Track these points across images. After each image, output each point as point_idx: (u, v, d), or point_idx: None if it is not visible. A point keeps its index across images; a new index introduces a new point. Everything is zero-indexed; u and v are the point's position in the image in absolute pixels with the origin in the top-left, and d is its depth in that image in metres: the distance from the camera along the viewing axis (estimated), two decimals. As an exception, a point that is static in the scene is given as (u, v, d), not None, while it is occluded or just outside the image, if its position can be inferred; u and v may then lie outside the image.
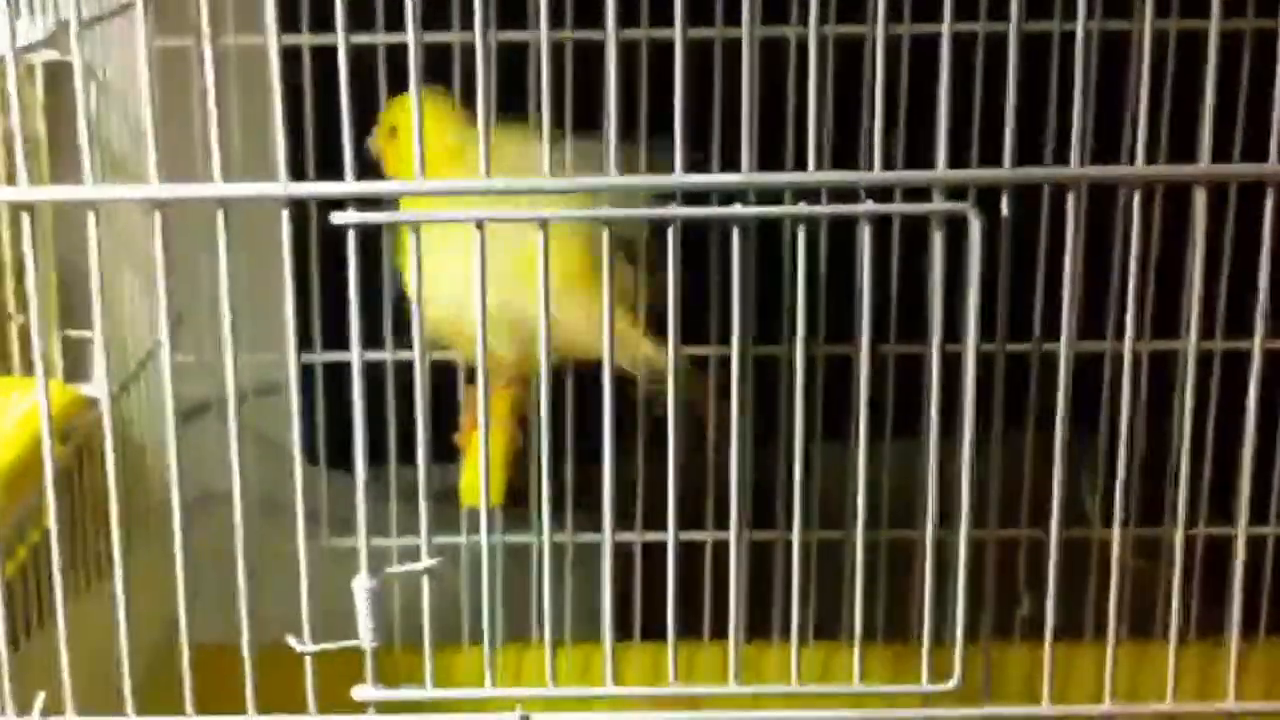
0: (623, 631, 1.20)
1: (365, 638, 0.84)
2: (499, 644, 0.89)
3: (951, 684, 0.86)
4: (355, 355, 0.84)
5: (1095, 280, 1.13)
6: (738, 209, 0.83)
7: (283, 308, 0.83)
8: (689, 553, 1.11)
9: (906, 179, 0.84)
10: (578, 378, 1.17)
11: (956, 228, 0.83)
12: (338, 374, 1.15)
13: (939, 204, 0.83)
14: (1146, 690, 0.92)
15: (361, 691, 0.86)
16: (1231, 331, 1.20)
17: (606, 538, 0.86)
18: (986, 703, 0.88)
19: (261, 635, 0.86)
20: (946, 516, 0.87)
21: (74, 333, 1.02)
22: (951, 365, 0.85)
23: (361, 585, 0.84)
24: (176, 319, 1.13)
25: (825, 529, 1.20)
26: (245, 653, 0.85)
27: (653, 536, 1.22)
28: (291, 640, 0.85)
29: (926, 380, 0.86)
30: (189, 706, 0.86)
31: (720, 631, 0.90)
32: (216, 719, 0.87)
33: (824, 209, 0.84)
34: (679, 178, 0.82)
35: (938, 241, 0.83)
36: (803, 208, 0.83)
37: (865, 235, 0.84)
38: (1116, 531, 0.89)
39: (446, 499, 1.02)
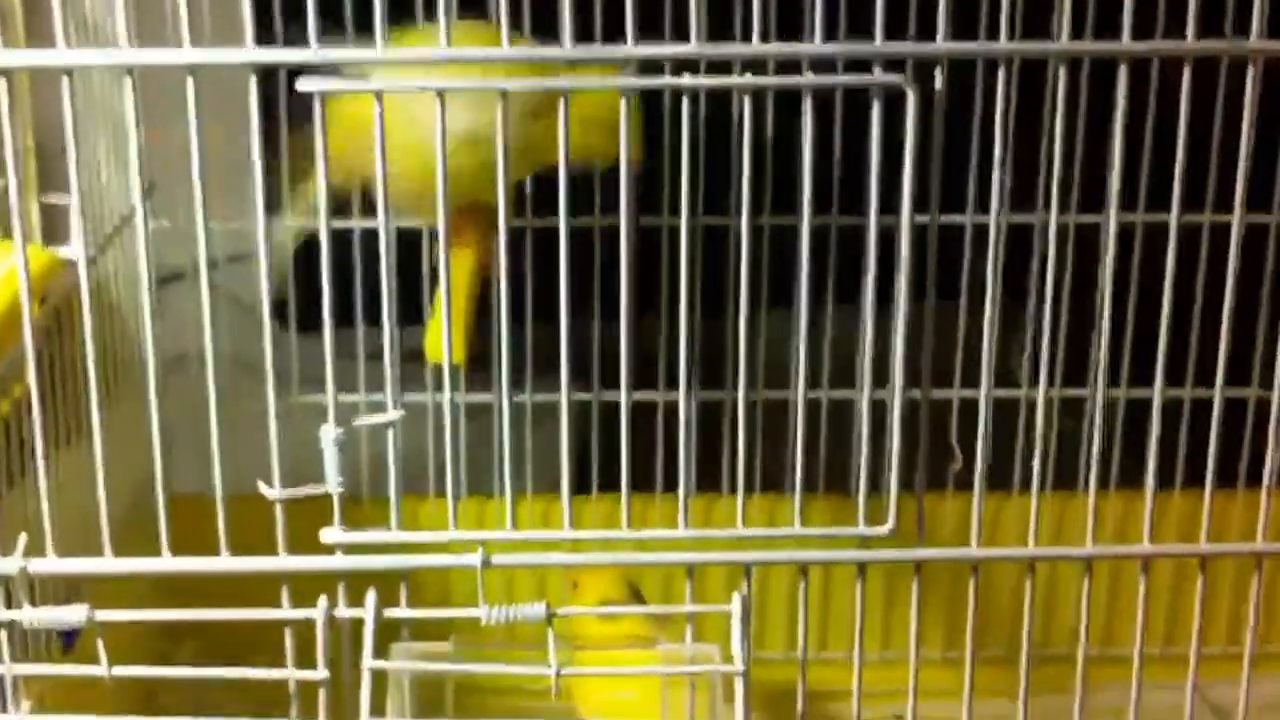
0: (581, 486, 1.23)
1: (332, 483, 0.85)
2: (462, 496, 0.88)
3: (886, 528, 0.88)
4: (323, 222, 0.84)
5: (1026, 155, 1.14)
6: (686, 79, 0.83)
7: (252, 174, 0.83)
8: (642, 412, 1.14)
9: (847, 51, 0.84)
10: (537, 238, 1.18)
11: (896, 103, 0.84)
12: (309, 240, 1.15)
13: (877, 76, 0.84)
14: (1070, 537, 0.93)
15: (329, 534, 0.87)
16: (1152, 206, 1.21)
17: (563, 397, 0.86)
18: (919, 544, 0.89)
19: (235, 487, 0.87)
20: (885, 377, 0.88)
21: (51, 197, 1.01)
22: (890, 236, 0.86)
23: (328, 434, 0.84)
24: (150, 186, 1.14)
25: (771, 389, 1.21)
26: (218, 494, 0.86)
27: (609, 396, 1.23)
28: (262, 486, 0.86)
29: (865, 250, 0.86)
30: (165, 550, 0.87)
31: (672, 485, 0.91)
32: (189, 559, 0.88)
33: (769, 80, 0.84)
34: (631, 49, 0.82)
35: (876, 112, 0.84)
36: (748, 79, 0.84)
37: (807, 105, 0.84)
38: (1042, 390, 0.90)
39: (414, 359, 1.03)
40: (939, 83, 0.84)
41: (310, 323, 1.05)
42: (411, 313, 1.03)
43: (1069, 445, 1.14)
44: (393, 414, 0.85)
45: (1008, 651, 0.94)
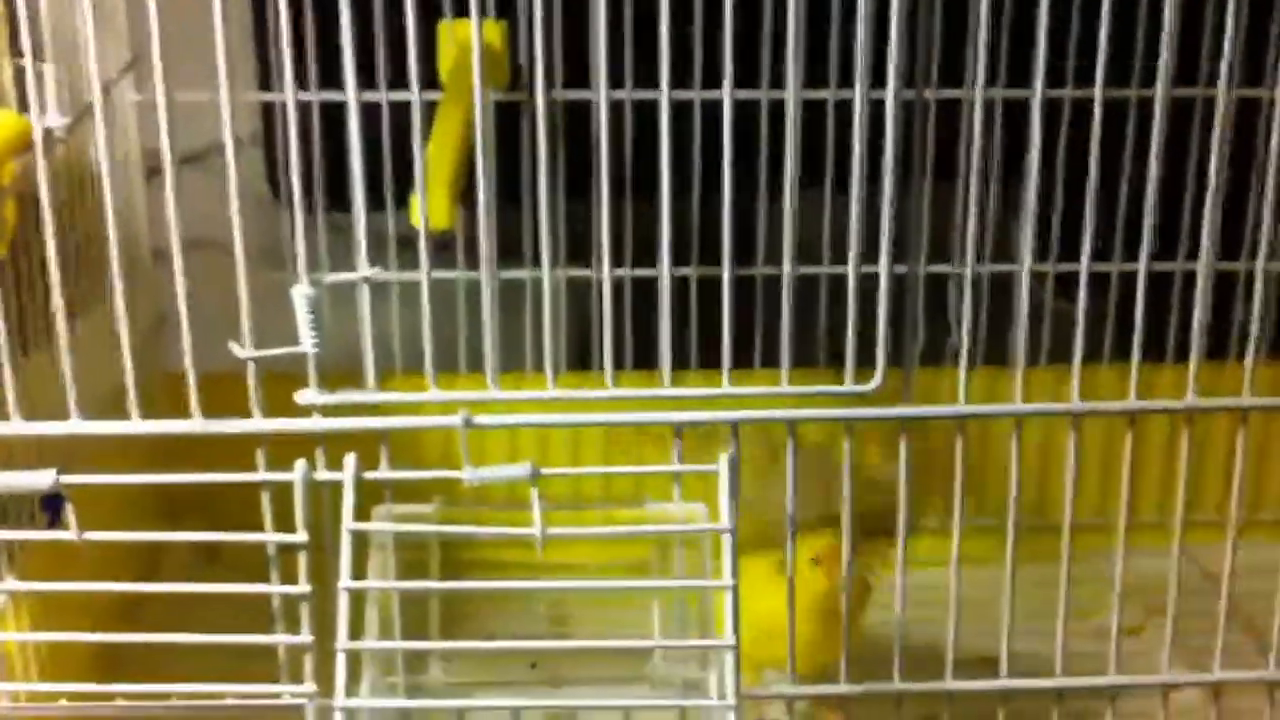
0: (583, 363, 1.18)
1: (306, 342, 0.80)
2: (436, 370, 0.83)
3: (873, 385, 0.82)
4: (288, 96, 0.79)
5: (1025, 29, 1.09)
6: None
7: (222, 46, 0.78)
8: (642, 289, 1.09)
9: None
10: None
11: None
12: (302, 115, 1.09)
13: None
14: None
15: (304, 395, 0.82)
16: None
17: (546, 272, 0.82)
18: (907, 403, 0.84)
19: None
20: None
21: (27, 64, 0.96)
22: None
23: (300, 292, 0.79)
24: (132, 58, 1.08)
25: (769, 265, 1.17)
26: (187, 358, 0.81)
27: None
28: (233, 347, 0.80)
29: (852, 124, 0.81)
30: (134, 414, 0.82)
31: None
32: (159, 422, 0.83)
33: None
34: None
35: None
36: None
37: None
38: (1027, 263, 0.85)
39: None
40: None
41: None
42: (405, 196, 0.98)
43: (1066, 321, 1.10)
44: (363, 272, 0.80)
45: (1001, 521, 0.89)
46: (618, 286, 1.11)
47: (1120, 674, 0.92)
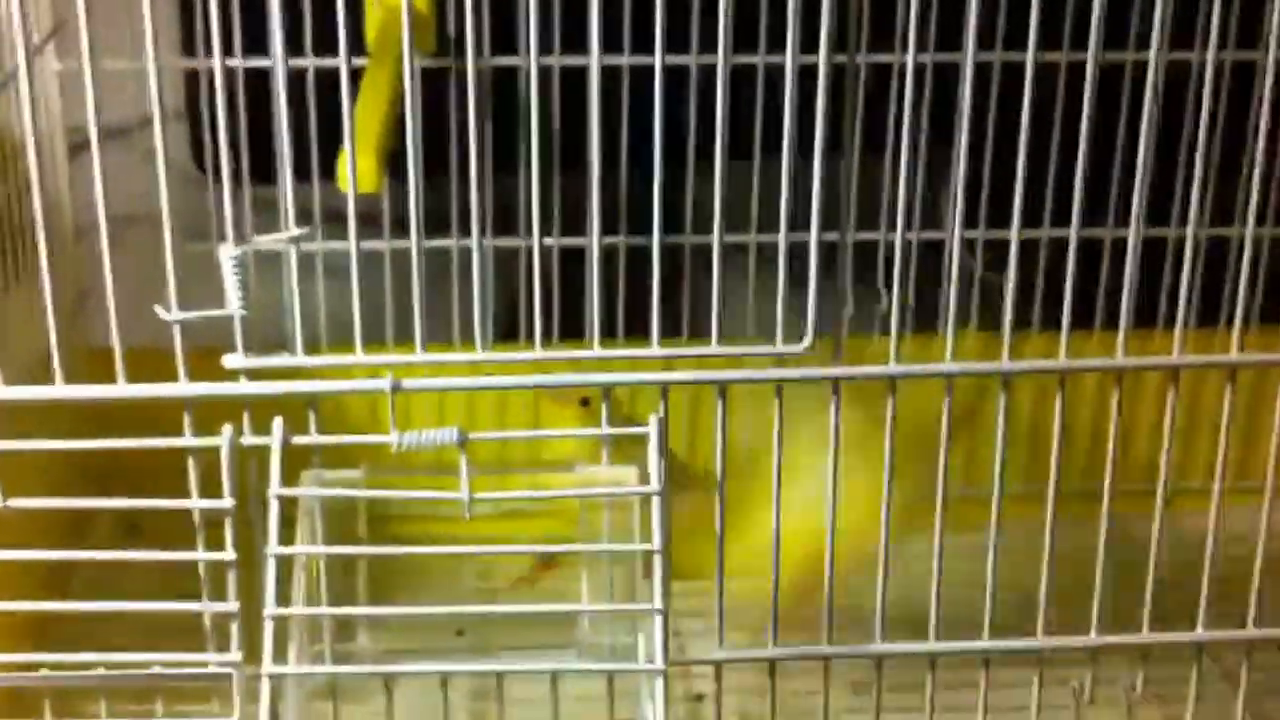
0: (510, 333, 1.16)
1: (233, 304, 0.78)
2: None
3: (802, 346, 0.82)
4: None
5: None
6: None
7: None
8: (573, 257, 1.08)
9: None
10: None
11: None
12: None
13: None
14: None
15: (232, 359, 0.80)
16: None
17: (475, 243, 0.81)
18: (836, 363, 0.84)
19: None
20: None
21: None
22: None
23: (227, 253, 0.78)
24: (54, 25, 1.06)
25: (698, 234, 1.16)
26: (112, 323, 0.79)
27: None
28: (159, 310, 0.79)
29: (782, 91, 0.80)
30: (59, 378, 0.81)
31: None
32: (82, 386, 0.82)
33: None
34: None
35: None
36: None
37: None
38: (957, 231, 0.84)
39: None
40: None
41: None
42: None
43: (996, 290, 1.09)
44: (291, 232, 0.79)
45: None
46: (546, 256, 1.10)
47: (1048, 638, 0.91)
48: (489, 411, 1.10)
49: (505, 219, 1.13)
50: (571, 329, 1.04)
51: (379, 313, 1.12)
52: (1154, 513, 0.90)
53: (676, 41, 1.11)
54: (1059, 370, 0.86)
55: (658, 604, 0.79)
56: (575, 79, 1.07)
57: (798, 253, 0.82)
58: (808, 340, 0.82)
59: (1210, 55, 0.83)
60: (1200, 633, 0.92)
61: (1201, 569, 0.91)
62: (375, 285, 1.13)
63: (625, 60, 1.13)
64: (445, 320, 1.14)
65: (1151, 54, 0.81)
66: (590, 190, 0.80)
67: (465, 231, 1.13)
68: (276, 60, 0.77)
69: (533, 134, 0.80)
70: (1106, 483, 0.89)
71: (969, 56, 0.80)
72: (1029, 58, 0.80)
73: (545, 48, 1.08)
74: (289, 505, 0.82)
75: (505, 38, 1.08)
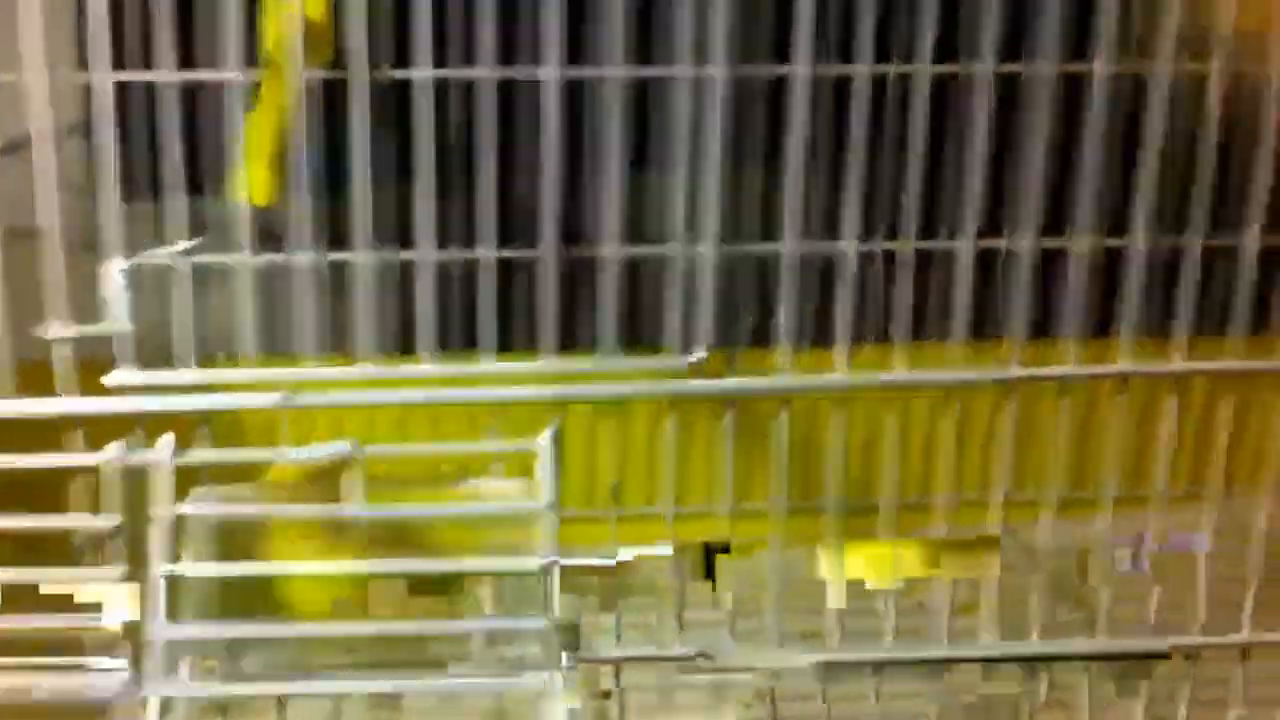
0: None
1: (119, 320, 0.77)
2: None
3: (696, 357, 0.82)
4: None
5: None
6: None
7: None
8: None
9: None
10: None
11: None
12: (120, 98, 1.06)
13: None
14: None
15: (116, 375, 0.79)
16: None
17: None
18: (730, 374, 0.83)
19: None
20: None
21: None
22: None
23: (113, 269, 0.77)
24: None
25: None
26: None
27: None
28: (46, 326, 0.77)
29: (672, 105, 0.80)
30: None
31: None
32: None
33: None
34: None
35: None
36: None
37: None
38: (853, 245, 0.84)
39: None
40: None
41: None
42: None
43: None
44: (180, 245, 0.78)
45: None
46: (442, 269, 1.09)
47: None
48: (388, 428, 1.09)
49: (403, 230, 1.12)
50: (470, 344, 1.03)
51: (275, 326, 1.11)
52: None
53: (582, 55, 1.12)
54: (950, 383, 0.87)
55: (548, 618, 0.79)
56: (471, 91, 1.07)
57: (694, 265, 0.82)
58: (701, 352, 0.81)
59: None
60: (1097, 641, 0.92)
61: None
62: (272, 298, 1.11)
63: (521, 74, 1.12)
64: (343, 336, 1.12)
65: (1041, 65, 0.82)
66: (483, 200, 0.80)
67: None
68: (164, 74, 0.76)
69: (426, 148, 0.79)
70: (1000, 492, 0.89)
71: (865, 69, 0.81)
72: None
73: (440, 62, 1.08)
74: (180, 520, 0.81)
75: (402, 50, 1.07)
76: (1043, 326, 1.11)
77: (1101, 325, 1.07)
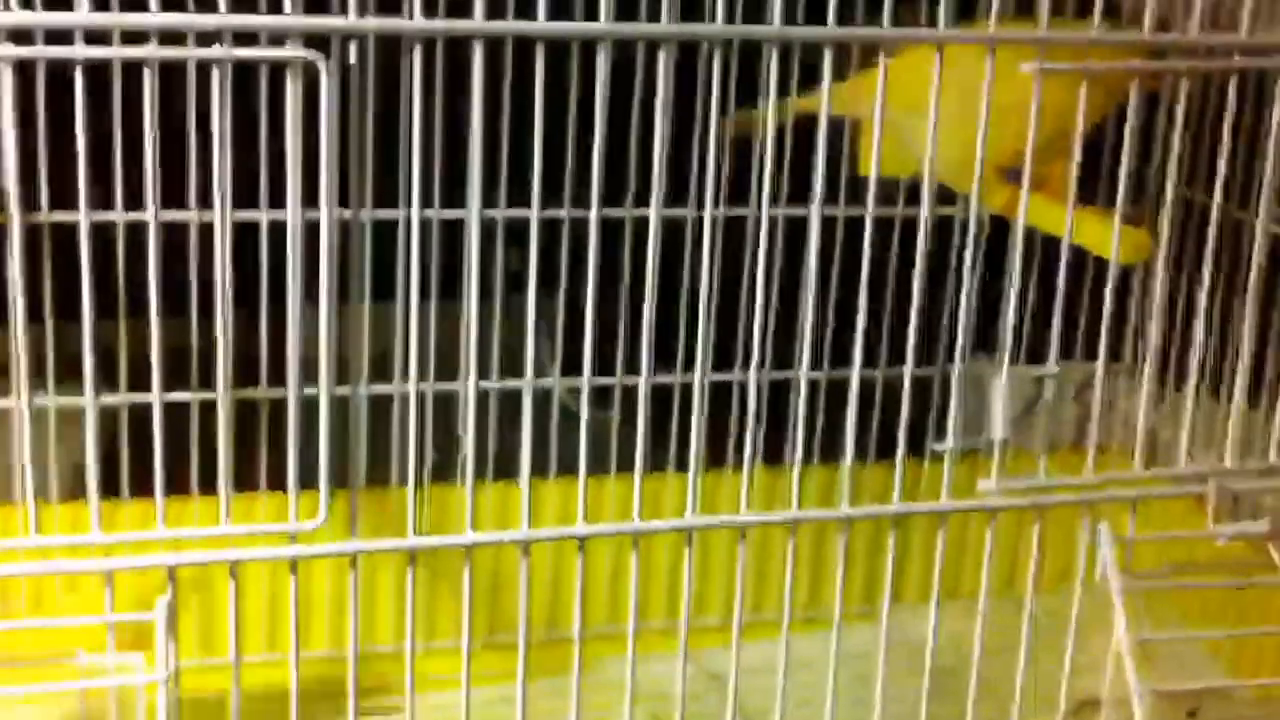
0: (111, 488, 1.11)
1: None
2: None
3: (316, 522, 0.79)
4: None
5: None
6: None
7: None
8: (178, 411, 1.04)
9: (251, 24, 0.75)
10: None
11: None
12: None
13: (289, 51, 0.76)
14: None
15: None
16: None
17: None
18: (353, 537, 0.81)
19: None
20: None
21: None
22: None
23: None
24: None
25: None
26: None
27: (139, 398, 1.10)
28: None
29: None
30: None
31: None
32: None
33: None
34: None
35: (291, 92, 0.76)
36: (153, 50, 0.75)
37: (215, 79, 0.76)
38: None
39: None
40: (353, 57, 0.77)
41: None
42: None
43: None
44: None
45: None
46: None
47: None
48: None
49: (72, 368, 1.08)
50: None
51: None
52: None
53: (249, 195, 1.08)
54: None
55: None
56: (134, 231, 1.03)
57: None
58: (321, 516, 0.79)
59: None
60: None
61: None
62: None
63: (192, 215, 1.09)
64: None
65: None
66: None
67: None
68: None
69: (86, 289, 0.77)
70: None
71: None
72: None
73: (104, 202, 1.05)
74: None
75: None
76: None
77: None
